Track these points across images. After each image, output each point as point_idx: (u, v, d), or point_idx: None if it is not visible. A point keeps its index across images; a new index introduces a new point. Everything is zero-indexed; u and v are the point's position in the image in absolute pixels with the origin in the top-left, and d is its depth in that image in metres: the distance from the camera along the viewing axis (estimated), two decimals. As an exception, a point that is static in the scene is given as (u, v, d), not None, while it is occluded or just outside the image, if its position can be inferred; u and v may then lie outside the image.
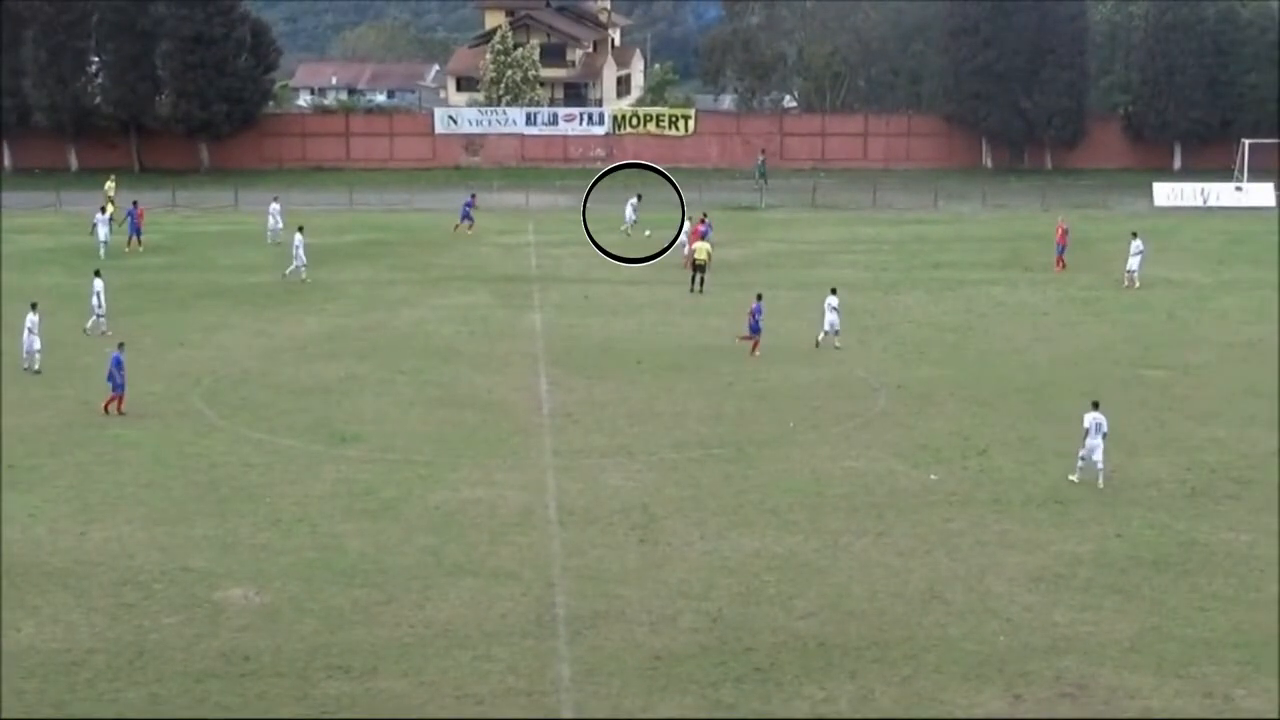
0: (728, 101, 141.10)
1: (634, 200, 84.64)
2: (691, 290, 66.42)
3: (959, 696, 28.23)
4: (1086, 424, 39.90)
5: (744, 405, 48.57)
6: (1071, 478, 40.25)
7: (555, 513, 38.04)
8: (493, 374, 52.36)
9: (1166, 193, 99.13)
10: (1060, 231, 74.08)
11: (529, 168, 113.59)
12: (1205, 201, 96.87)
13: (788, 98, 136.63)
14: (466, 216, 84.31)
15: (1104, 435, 39.70)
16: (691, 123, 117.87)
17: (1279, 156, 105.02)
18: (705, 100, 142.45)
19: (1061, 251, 73.32)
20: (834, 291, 57.41)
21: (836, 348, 55.97)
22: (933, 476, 41.10)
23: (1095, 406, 40.23)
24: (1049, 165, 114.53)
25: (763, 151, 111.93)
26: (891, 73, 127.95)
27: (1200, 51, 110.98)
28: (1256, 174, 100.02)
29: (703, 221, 73.43)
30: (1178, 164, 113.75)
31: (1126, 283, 68.31)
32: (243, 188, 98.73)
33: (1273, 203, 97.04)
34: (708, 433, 45.34)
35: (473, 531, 36.64)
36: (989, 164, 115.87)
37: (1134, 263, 68.64)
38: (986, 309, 63.78)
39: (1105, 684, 28.84)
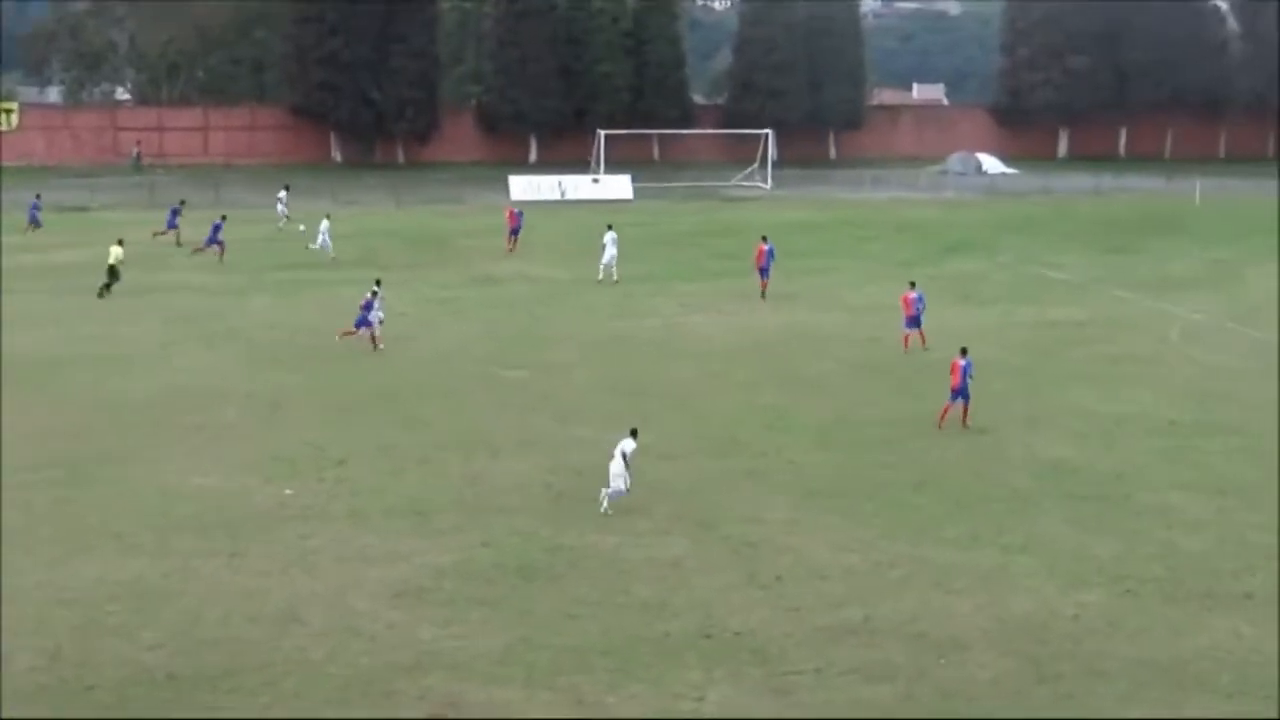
0: (54, 94, 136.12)
1: (282, 193, 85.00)
2: (101, 295, 63.51)
3: (321, 723, 26.60)
4: (620, 447, 37.78)
5: (81, 419, 45.54)
6: (604, 509, 37.49)
7: None
8: None
9: (523, 186, 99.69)
10: (510, 215, 78.17)
11: None
12: (563, 194, 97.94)
13: (120, 90, 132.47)
14: (34, 220, 78.98)
15: (624, 459, 37.37)
16: (15, 117, 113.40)
17: (633, 148, 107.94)
18: (30, 93, 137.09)
19: (514, 233, 77.21)
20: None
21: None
22: (288, 491, 39.15)
23: (633, 434, 38.11)
24: (401, 159, 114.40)
25: (138, 144, 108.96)
26: (233, 62, 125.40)
27: (552, 40, 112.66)
28: (613, 165, 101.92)
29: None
30: (534, 156, 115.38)
31: (601, 276, 68.86)
32: None
33: (630, 194, 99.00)
34: (40, 452, 41.95)
35: None
36: (339, 158, 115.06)
37: (609, 255, 69.45)
38: (340, 311, 62.08)
39: (475, 700, 27.64)
